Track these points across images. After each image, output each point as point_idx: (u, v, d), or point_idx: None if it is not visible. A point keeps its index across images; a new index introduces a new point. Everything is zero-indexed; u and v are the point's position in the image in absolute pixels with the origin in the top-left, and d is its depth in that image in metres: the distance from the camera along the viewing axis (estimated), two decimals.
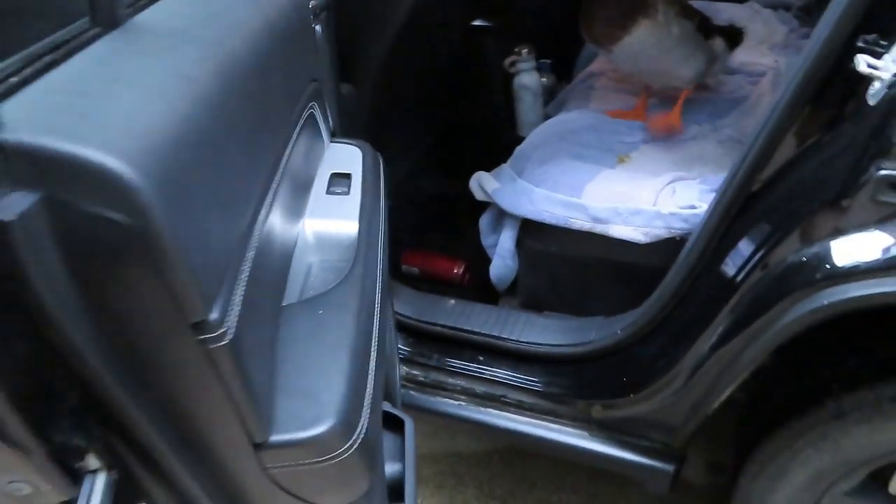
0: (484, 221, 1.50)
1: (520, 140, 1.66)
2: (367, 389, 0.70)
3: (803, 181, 0.95)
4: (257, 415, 0.56)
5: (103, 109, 0.44)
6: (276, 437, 0.59)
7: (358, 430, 0.65)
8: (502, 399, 1.33)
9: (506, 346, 1.32)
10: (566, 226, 1.32)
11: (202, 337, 0.46)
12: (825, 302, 0.88)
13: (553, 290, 1.43)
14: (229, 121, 0.59)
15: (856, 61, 0.84)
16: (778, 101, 0.97)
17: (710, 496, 1.54)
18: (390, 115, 1.47)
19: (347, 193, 0.93)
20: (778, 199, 1.00)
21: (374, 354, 0.77)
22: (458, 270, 1.59)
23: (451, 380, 1.34)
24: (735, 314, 1.00)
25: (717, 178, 1.30)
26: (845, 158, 0.87)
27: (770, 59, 1.77)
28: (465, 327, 1.32)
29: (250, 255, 0.57)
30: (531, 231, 1.40)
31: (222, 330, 0.46)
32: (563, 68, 1.94)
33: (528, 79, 1.81)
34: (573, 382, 1.28)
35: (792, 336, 0.93)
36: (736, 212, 1.04)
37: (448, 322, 1.35)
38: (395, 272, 1.55)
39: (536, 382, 1.31)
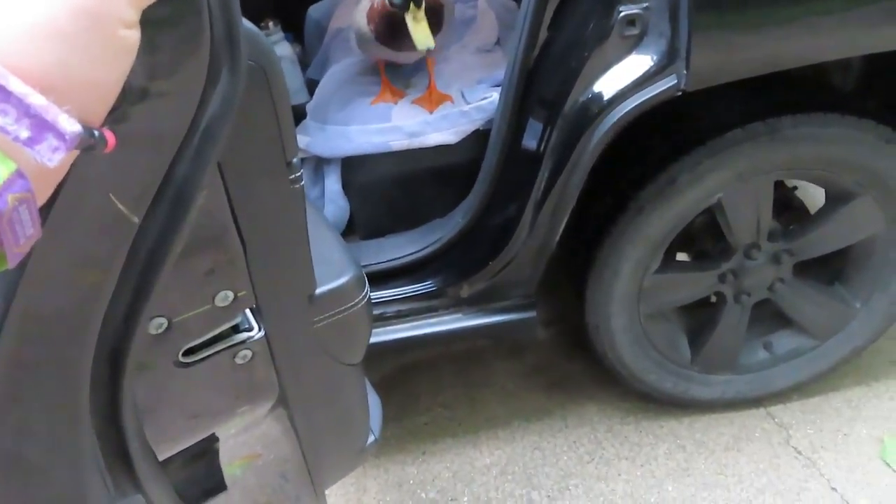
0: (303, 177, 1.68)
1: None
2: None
3: (566, 44, 1.30)
4: (312, 269, 0.73)
5: None
6: (318, 291, 0.76)
7: (366, 284, 0.84)
8: (384, 316, 1.55)
9: (369, 272, 1.53)
10: (386, 150, 1.55)
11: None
12: (615, 119, 1.23)
13: (388, 214, 1.66)
14: None
15: None
16: None
17: (553, 344, 1.91)
18: None
19: None
20: (551, 66, 1.34)
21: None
22: None
23: None
24: (553, 158, 1.32)
25: (489, 77, 1.63)
26: (594, 13, 1.22)
27: None
28: None
29: None
30: (353, 168, 1.61)
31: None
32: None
33: (283, 49, 2.00)
34: (438, 276, 1.54)
35: (599, 155, 1.28)
36: (523, 87, 1.36)
37: None
38: None
39: (407, 290, 1.54)
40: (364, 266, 1.54)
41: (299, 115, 1.71)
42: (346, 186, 1.64)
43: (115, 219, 0.44)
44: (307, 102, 1.71)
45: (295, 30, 2.13)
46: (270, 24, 1.98)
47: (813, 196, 1.71)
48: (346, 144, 1.57)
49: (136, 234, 0.46)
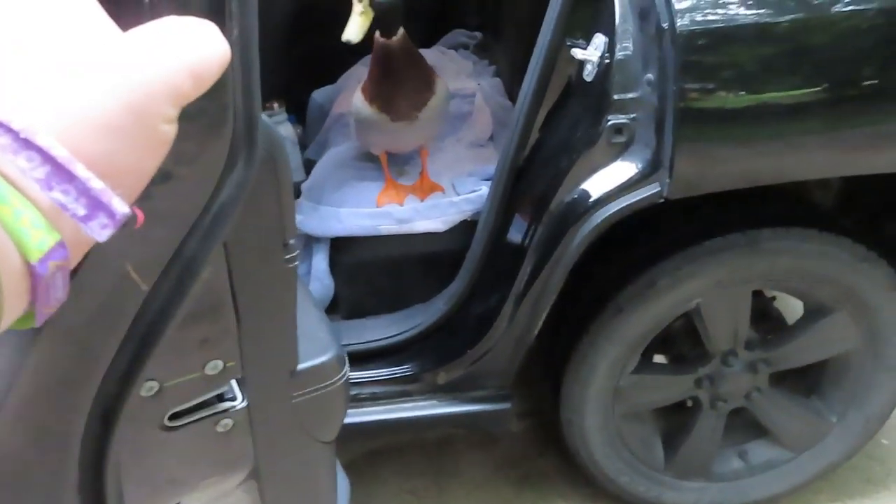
0: None
1: None
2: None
3: (557, 145, 1.39)
4: (297, 344, 0.77)
5: None
6: (300, 366, 0.81)
7: (346, 364, 0.88)
8: (358, 398, 1.58)
9: (348, 352, 1.56)
10: (376, 233, 1.62)
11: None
12: (598, 221, 1.31)
13: (372, 296, 1.72)
14: None
15: (572, 53, 1.29)
16: (524, 95, 1.39)
17: (526, 437, 1.94)
18: None
19: None
20: (540, 165, 1.43)
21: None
22: None
23: None
24: (536, 254, 1.39)
25: (480, 170, 1.72)
26: (583, 120, 1.32)
27: (473, 84, 2.28)
28: None
29: None
30: (341, 248, 1.68)
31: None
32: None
33: (285, 129, 2.09)
34: (416, 361, 1.58)
35: (582, 254, 1.35)
36: (512, 184, 1.45)
37: None
38: None
39: (384, 373, 1.58)
40: (343, 345, 1.58)
41: (294, 193, 1.79)
42: (333, 266, 1.70)
43: (127, 286, 0.49)
44: (303, 181, 1.79)
45: (298, 111, 2.24)
46: (276, 105, 2.09)
47: (792, 307, 1.79)
48: (336, 225, 1.64)
49: (142, 301, 0.51)
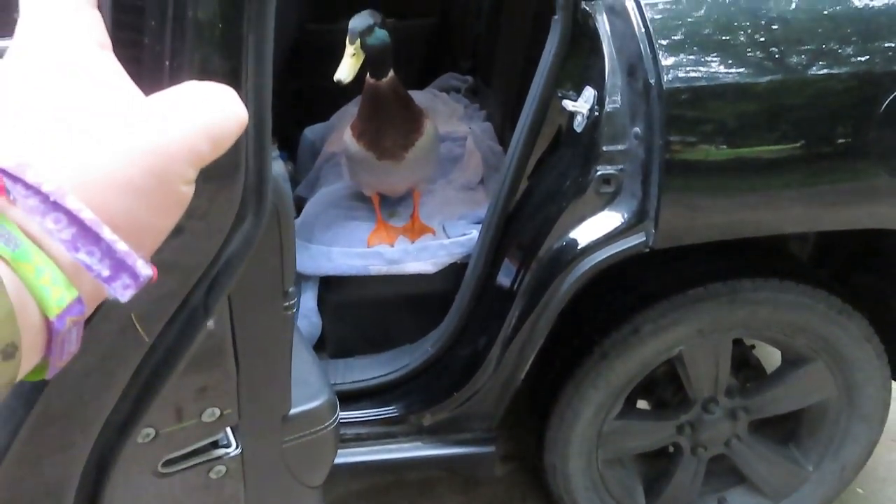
0: None
1: None
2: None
3: (547, 193, 1.41)
4: (290, 390, 0.78)
5: None
6: (292, 411, 0.81)
7: (338, 409, 0.88)
8: (343, 438, 1.57)
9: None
10: (365, 273, 1.63)
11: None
12: (585, 268, 1.32)
13: (359, 335, 1.72)
14: None
15: (563, 105, 1.32)
16: (515, 143, 1.42)
17: (509, 481, 1.93)
18: None
19: None
20: (530, 212, 1.45)
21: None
22: None
23: None
24: (524, 299, 1.41)
25: (471, 213, 1.74)
26: (571, 171, 1.34)
27: (464, 128, 2.31)
28: None
29: None
30: (330, 287, 1.68)
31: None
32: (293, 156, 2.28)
33: (276, 167, 2.09)
34: (402, 403, 1.58)
35: (569, 300, 1.36)
36: (502, 229, 1.47)
37: None
38: None
39: (369, 414, 1.57)
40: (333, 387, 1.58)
41: None
42: (322, 304, 1.70)
43: (130, 336, 0.50)
44: (294, 219, 1.80)
45: (289, 148, 2.25)
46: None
47: (771, 356, 1.80)
48: (326, 264, 1.64)
49: (145, 351, 0.51)
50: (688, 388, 1.56)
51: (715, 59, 1.24)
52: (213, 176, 0.46)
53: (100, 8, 0.39)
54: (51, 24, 0.37)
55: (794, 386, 1.60)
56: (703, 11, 1.27)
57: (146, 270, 0.34)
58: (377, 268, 1.63)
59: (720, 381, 1.56)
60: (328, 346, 1.73)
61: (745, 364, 1.74)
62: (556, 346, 1.52)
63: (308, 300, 1.70)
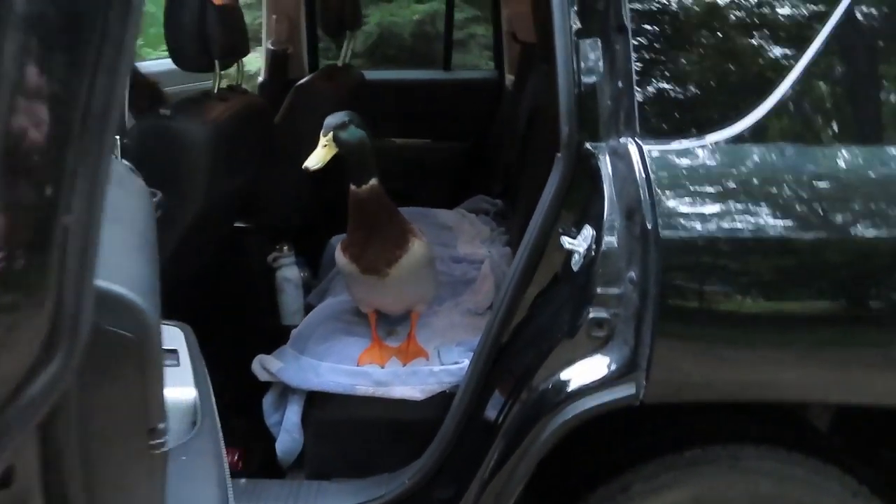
0: (267, 401, 1.67)
1: (282, 328, 1.88)
2: None
3: (539, 329, 1.32)
4: None
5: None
6: None
7: None
8: None
9: None
10: (351, 392, 1.54)
11: (153, 442, 0.60)
12: (569, 416, 1.21)
13: (340, 456, 1.62)
14: None
15: (561, 241, 1.25)
16: (511, 274, 1.35)
17: None
18: (167, 310, 1.62)
19: (178, 365, 1.08)
20: (521, 346, 1.36)
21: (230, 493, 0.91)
22: (233, 458, 1.70)
23: None
24: (505, 440, 1.29)
25: (469, 341, 1.65)
26: (566, 309, 1.26)
27: (484, 250, 2.26)
28: None
29: None
30: (316, 403, 1.60)
31: (163, 439, 0.62)
32: (315, 262, 2.25)
33: (290, 272, 2.08)
34: None
35: (551, 448, 1.24)
36: (493, 361, 1.37)
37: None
38: None
39: None
40: None
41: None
42: (305, 420, 1.61)
43: None
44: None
45: (308, 254, 2.23)
46: (285, 248, 2.08)
47: None
48: (313, 379, 1.56)
49: None
50: None
51: (718, 208, 1.17)
52: (7, 306, 0.40)
53: None
54: None
55: None
56: (714, 162, 1.21)
57: None
58: (364, 388, 1.54)
59: None
60: (306, 465, 1.63)
61: None
62: (538, 497, 1.39)
63: (293, 415, 1.61)
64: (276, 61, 2.81)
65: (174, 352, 1.10)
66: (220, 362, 1.93)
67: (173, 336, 1.15)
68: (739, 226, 1.18)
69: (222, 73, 1.65)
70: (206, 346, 2.03)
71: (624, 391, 1.19)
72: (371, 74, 3.03)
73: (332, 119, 1.46)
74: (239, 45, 1.70)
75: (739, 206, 1.19)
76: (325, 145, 1.43)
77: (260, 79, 2.92)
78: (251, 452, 1.70)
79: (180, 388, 1.03)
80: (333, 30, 2.46)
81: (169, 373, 1.06)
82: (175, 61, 1.56)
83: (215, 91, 1.65)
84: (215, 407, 1.07)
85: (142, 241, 0.74)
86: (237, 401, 1.68)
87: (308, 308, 2.02)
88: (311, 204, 2.25)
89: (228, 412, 1.81)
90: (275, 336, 1.75)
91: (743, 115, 1.19)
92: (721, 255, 1.19)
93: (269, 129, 1.98)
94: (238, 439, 1.69)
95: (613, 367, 1.20)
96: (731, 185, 1.20)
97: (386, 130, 2.91)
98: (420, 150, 2.91)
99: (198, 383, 1.05)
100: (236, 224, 2.08)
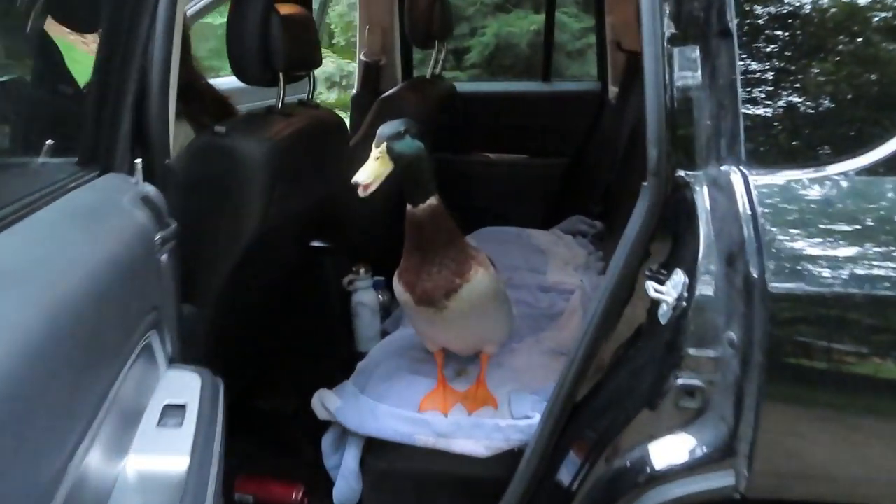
0: (326, 442, 1.53)
1: (358, 355, 1.74)
2: None
3: (619, 390, 1.11)
4: None
5: None
6: None
7: None
8: None
9: None
10: (410, 442, 1.38)
11: None
12: (655, 502, 0.99)
13: None
14: (51, 365, 0.65)
15: (646, 287, 1.03)
16: (589, 322, 1.14)
17: None
18: (229, 333, 1.51)
19: (180, 425, 0.94)
20: (599, 407, 1.15)
21: None
22: (296, 495, 1.59)
23: None
24: None
25: (546, 388, 1.44)
26: (649, 370, 1.04)
27: (576, 279, 2.04)
28: None
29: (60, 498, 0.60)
30: (375, 449, 1.45)
31: None
32: None
33: (366, 296, 1.94)
34: None
35: None
36: (565, 421, 1.17)
37: None
38: (226, 502, 1.51)
39: None
40: None
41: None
42: (363, 466, 1.46)
43: None
44: None
45: (389, 276, 2.09)
46: (362, 270, 1.95)
47: None
48: (371, 423, 1.41)
49: None
50: None
51: (846, 253, 0.92)
52: None
53: None
54: None
55: None
56: (839, 197, 0.95)
57: None
58: (423, 438, 1.37)
59: None
60: None
61: None
62: None
63: (350, 460, 1.46)
64: (369, 73, 2.71)
65: (181, 408, 0.97)
66: (292, 388, 1.83)
67: (187, 385, 1.01)
68: (878, 273, 0.92)
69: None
70: (273, 371, 1.94)
71: (720, 480, 0.96)
72: (463, 86, 2.87)
73: (385, 128, 1.23)
74: (308, 58, 1.58)
75: (878, 250, 0.93)
76: (378, 157, 1.20)
77: (353, 91, 2.83)
78: (315, 490, 1.58)
79: (172, 458, 0.89)
80: (422, 41, 2.32)
81: (166, 436, 0.93)
82: (237, 75, 1.46)
83: (279, 106, 1.53)
84: (216, 475, 0.92)
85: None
86: (309, 432, 1.56)
87: (384, 335, 1.88)
88: (392, 222, 2.11)
89: (298, 442, 1.71)
90: (352, 363, 1.62)
91: (879, 142, 0.93)
92: (849, 310, 0.93)
93: (344, 144, 1.85)
94: (305, 473, 1.57)
95: (706, 448, 0.98)
96: (865, 224, 0.94)
97: (478, 144, 2.74)
98: (515, 165, 2.72)
99: (199, 449, 0.91)
100: (313, 244, 1.97)
